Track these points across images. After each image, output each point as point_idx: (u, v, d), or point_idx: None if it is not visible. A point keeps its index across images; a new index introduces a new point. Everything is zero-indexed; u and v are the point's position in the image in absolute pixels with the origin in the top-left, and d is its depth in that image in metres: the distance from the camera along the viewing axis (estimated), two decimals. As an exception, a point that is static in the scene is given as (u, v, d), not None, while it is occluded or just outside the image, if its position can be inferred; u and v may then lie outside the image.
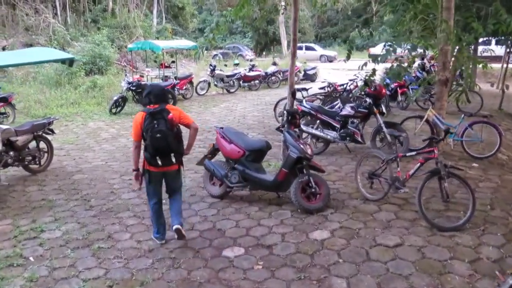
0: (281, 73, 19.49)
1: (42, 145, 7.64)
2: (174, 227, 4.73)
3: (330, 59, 33.21)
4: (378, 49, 30.80)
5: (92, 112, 13.37)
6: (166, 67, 17.00)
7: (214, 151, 6.31)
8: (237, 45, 38.39)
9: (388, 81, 11.48)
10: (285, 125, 5.90)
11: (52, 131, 7.76)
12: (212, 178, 6.22)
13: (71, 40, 20.64)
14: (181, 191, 5.03)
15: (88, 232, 5.16)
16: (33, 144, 7.47)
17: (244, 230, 5.14)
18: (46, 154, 7.65)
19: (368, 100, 8.05)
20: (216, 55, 31.93)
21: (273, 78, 19.15)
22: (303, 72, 20.43)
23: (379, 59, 7.65)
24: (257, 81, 18.34)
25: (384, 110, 8.09)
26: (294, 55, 6.89)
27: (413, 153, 5.54)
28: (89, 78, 16.87)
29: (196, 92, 16.69)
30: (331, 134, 8.12)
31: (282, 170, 5.62)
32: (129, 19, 24.53)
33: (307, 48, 33.82)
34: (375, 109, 7.93)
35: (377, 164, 7.14)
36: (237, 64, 19.29)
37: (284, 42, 37.36)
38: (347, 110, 8.12)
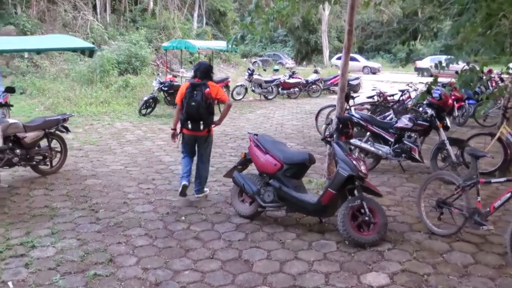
0: (323, 82, 18.34)
1: (56, 144, 6.82)
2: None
3: (374, 71, 31.80)
4: (425, 62, 29.55)
5: (121, 112, 12.63)
6: (202, 69, 16.15)
7: (245, 161, 5.32)
8: (278, 53, 37.54)
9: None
10: (334, 135, 4.79)
11: (67, 129, 6.90)
12: (242, 194, 5.19)
13: (109, 39, 20.18)
14: (209, 159, 5.73)
15: (86, 253, 4.22)
16: (44, 142, 6.66)
17: (277, 265, 4.06)
18: (58, 154, 6.81)
19: (430, 111, 6.83)
20: (256, 62, 31.11)
21: (314, 86, 17.99)
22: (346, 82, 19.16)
23: (443, 64, 6.53)
24: (296, 89, 17.23)
25: (449, 124, 6.84)
26: (348, 51, 5.73)
27: (502, 179, 4.31)
28: (122, 77, 16.26)
29: (232, 96, 15.78)
30: (383, 149, 6.95)
31: (328, 191, 4.51)
32: (168, 20, 23.98)
33: (350, 59, 32.37)
34: (438, 122, 6.72)
35: (438, 188, 6.03)
36: (276, 70, 18.27)
37: (326, 52, 36.26)
38: (404, 122, 6.91)
